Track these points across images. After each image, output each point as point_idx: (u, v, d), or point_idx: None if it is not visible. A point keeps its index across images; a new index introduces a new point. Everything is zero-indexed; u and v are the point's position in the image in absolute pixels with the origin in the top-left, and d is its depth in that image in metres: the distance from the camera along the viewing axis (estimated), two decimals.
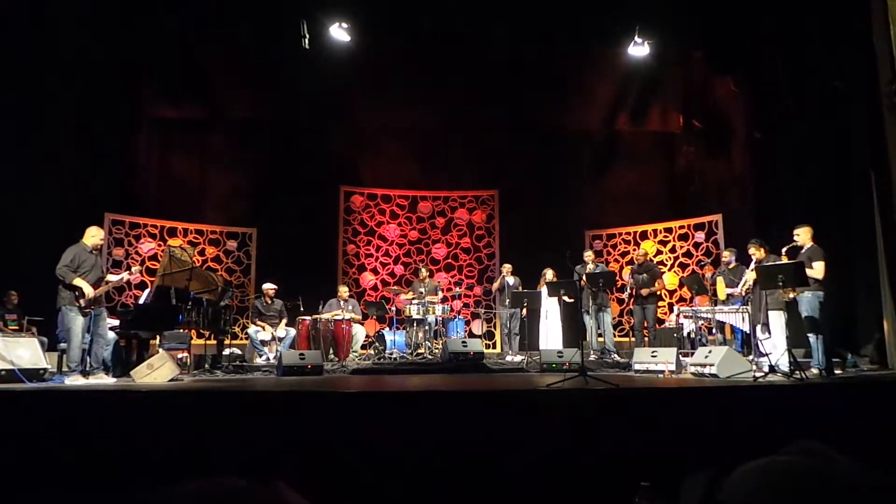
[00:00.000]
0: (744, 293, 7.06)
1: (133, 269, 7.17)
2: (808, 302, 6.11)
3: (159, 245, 9.79)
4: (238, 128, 10.40)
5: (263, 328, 8.56)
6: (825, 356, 6.02)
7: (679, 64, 10.16)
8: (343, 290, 9.27)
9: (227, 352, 8.03)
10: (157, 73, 9.69)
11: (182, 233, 10.17)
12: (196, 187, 10.40)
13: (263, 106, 10.18)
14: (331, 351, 8.47)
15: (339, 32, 8.52)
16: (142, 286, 9.19)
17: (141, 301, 7.55)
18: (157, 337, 7.43)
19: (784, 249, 6.40)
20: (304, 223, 10.24)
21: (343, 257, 11.03)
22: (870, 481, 0.61)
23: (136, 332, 6.41)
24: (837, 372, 6.26)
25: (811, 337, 6.11)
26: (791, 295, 6.14)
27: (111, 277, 6.44)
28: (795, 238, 6.36)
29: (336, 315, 8.73)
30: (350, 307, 9.11)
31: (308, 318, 8.52)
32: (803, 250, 6.34)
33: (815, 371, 5.99)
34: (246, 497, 0.66)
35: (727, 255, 8.09)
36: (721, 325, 7.74)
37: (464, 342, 7.87)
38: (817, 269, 6.10)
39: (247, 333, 8.67)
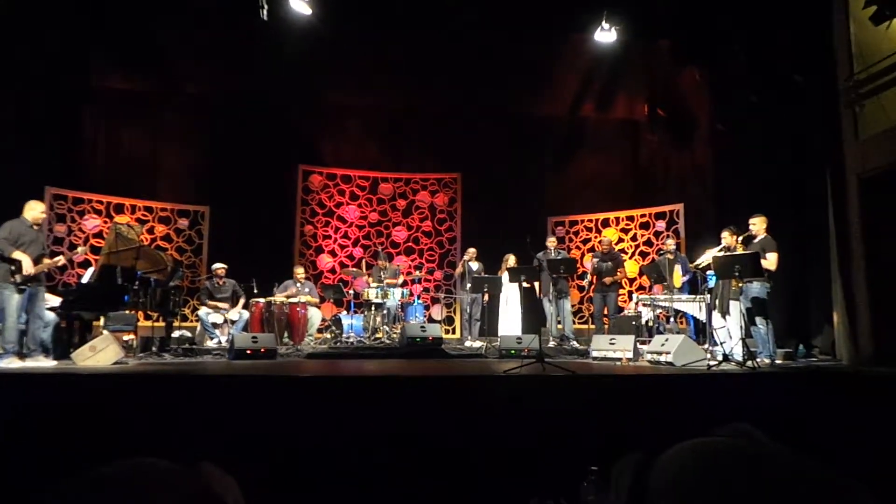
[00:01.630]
0: (693, 269, 7.23)
1: (79, 248, 6.93)
2: (756, 290, 6.29)
3: (105, 222, 9.49)
4: (192, 102, 10.12)
5: (216, 309, 8.40)
6: (773, 344, 6.22)
7: (645, 52, 10.27)
8: (299, 272, 9.16)
9: (176, 334, 7.87)
10: (107, 41, 9.32)
11: (130, 209, 9.88)
12: (146, 163, 10.10)
13: (219, 80, 9.92)
14: (286, 334, 8.38)
15: (299, 4, 8.31)
16: (85, 264, 8.90)
17: (84, 280, 7.31)
18: (101, 318, 7.22)
19: (739, 238, 6.56)
20: (259, 202, 10.06)
21: (300, 238, 10.90)
22: (796, 464, 0.63)
23: (79, 312, 6.20)
24: (788, 362, 6.49)
25: (760, 324, 6.27)
26: (740, 285, 6.28)
27: (52, 259, 6.21)
28: (751, 227, 6.52)
29: (291, 297, 8.63)
30: (306, 290, 9.01)
31: (262, 300, 8.40)
32: (756, 240, 6.51)
33: (766, 360, 6.18)
34: (167, 478, 0.64)
35: (671, 245, 8.34)
36: (677, 314, 7.93)
37: (423, 327, 7.87)
38: (770, 261, 6.28)
39: (197, 315, 8.51)
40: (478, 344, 8.70)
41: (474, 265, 9.35)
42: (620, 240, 10.80)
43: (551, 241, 8.99)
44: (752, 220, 6.54)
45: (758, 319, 6.31)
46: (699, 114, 9.98)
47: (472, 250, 9.40)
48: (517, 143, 10.94)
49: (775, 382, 4.89)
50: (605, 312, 8.88)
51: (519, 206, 10.77)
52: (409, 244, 11.41)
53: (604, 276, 8.68)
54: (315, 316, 8.83)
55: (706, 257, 6.97)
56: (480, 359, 7.45)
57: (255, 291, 8.33)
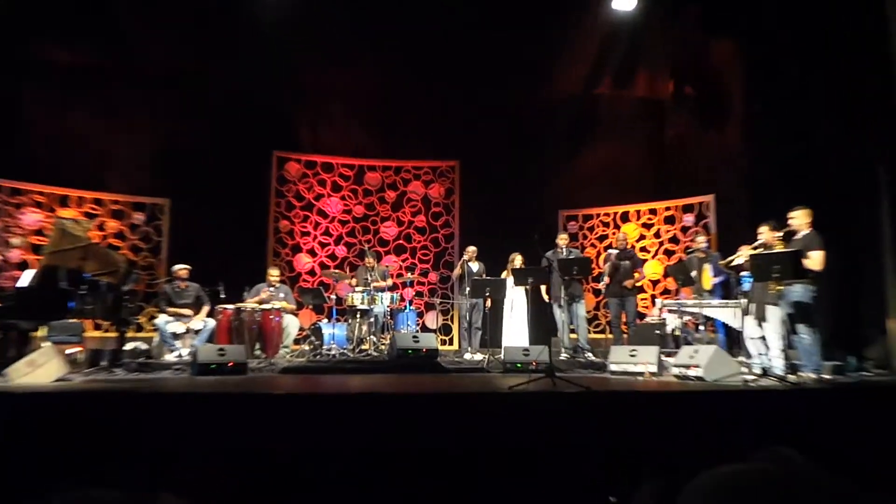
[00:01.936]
0: (725, 270, 7.22)
1: (13, 240, 6.89)
2: (798, 294, 6.22)
3: (48, 216, 9.44)
4: (150, 78, 10.03)
5: (177, 317, 8.37)
6: (819, 355, 6.18)
7: (671, 20, 10.26)
8: (273, 274, 9.14)
9: (129, 346, 7.81)
10: (50, 6, 9.25)
11: (77, 202, 9.83)
12: (96, 149, 10.00)
13: (181, 53, 9.86)
14: (257, 346, 8.35)
15: None
16: (23, 266, 8.85)
17: (21, 284, 7.25)
18: (42, 328, 7.17)
19: (779, 234, 6.48)
20: (227, 194, 10.01)
21: (274, 235, 10.87)
22: (841, 495, 0.60)
23: (14, 321, 6.14)
24: (836, 377, 6.46)
25: (804, 333, 6.22)
26: (779, 288, 6.23)
27: None
28: (791, 222, 6.44)
29: (264, 303, 8.60)
30: (281, 294, 8.99)
31: (230, 306, 8.37)
32: (798, 236, 6.42)
33: (810, 375, 6.15)
34: None
35: (702, 241, 8.32)
36: (708, 321, 7.92)
37: (415, 337, 7.86)
38: (814, 259, 6.17)
39: (155, 324, 8.46)
40: (478, 356, 8.67)
41: (474, 266, 9.33)
42: (642, 236, 10.80)
43: (563, 239, 8.99)
44: (792, 214, 6.48)
45: (800, 327, 6.27)
46: (733, 92, 9.98)
47: (471, 249, 9.39)
48: (524, 126, 10.92)
49: (821, 400, 4.88)
50: (624, 320, 8.87)
51: (526, 198, 10.75)
52: (400, 242, 11.39)
53: (621, 278, 8.67)
54: (291, 324, 8.80)
55: (741, 256, 6.95)
56: (482, 374, 7.42)
57: (222, 296, 8.28)
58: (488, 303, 8.88)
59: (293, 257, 10.98)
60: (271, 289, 8.94)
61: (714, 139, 10.29)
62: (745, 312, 6.87)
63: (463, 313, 9.45)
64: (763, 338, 6.59)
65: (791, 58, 8.27)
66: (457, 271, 9.48)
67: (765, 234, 6.63)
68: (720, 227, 9.91)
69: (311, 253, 11.10)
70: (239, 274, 8.99)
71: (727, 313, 7.44)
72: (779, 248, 6.38)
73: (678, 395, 4.88)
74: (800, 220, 6.43)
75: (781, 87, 8.56)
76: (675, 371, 6.31)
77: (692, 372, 6.06)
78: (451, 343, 10.96)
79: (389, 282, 9.54)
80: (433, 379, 6.66)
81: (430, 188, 11.52)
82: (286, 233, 10.99)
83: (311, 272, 11.02)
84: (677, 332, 8.12)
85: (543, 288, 8.87)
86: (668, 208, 10.63)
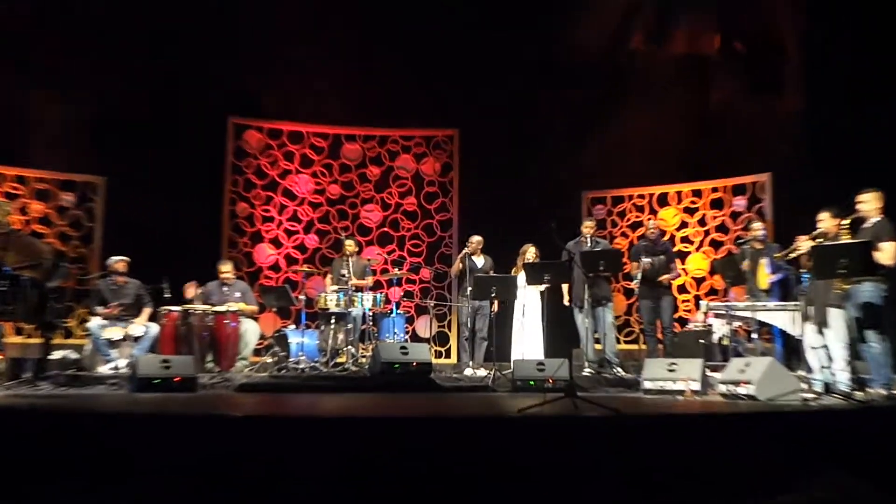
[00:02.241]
0: (783, 258, 7.21)
1: None
2: (868, 294, 6.19)
3: None
4: (79, 31, 9.97)
5: (113, 320, 8.36)
6: (892, 368, 6.17)
7: None
8: (228, 269, 9.11)
9: (57, 355, 7.81)
10: None
11: None
12: (15, 117, 9.96)
13: (118, 7, 9.79)
14: (209, 357, 8.33)
15: None
16: None
17: None
18: None
19: (844, 222, 6.44)
20: (173, 171, 9.97)
21: (230, 221, 10.85)
22: None
23: None
24: None
25: (874, 341, 6.20)
26: (844, 287, 6.18)
27: None
28: (858, 207, 6.42)
29: (218, 305, 8.59)
30: (238, 293, 8.97)
31: (177, 308, 8.36)
32: (867, 224, 6.38)
33: (880, 391, 6.13)
34: None
35: (758, 229, 8.30)
36: (763, 328, 7.92)
37: (404, 348, 7.84)
38: (886, 252, 6.11)
39: (87, 329, 8.46)
40: (482, 372, 8.66)
41: (479, 261, 9.32)
42: (683, 223, 10.80)
43: (587, 226, 8.96)
44: (861, 198, 6.44)
45: (869, 334, 6.25)
46: (792, 47, 9.95)
47: (476, 239, 9.35)
48: (539, 88, 10.89)
49: (893, 420, 4.90)
50: (659, 326, 8.88)
51: (542, 176, 10.73)
52: (386, 230, 11.37)
53: (655, 275, 8.67)
54: (250, 331, 8.79)
55: (799, 248, 6.95)
56: (486, 393, 7.39)
57: (168, 296, 8.28)
58: (495, 306, 8.86)
59: (253, 248, 10.96)
60: (226, 288, 8.91)
61: (770, 105, 10.27)
62: (805, 317, 6.87)
63: (463, 319, 9.43)
64: (826, 347, 6.59)
65: (864, 3, 8.24)
66: (456, 266, 9.44)
67: (825, 221, 6.58)
68: (778, 213, 9.92)
69: (276, 243, 11.08)
70: (187, 268, 8.97)
71: (785, 318, 7.44)
72: (844, 239, 6.34)
73: (726, 417, 4.87)
74: (870, 204, 6.38)
75: (853, 40, 8.52)
76: (723, 389, 6.32)
77: (743, 389, 6.06)
78: (448, 355, 10.96)
79: (372, 279, 9.51)
80: (426, 400, 6.62)
81: (422, 163, 11.49)
82: (245, 218, 10.96)
83: (275, 267, 10.99)
84: (725, 342, 8.11)
85: (564, 288, 8.85)
86: (714, 189, 10.63)
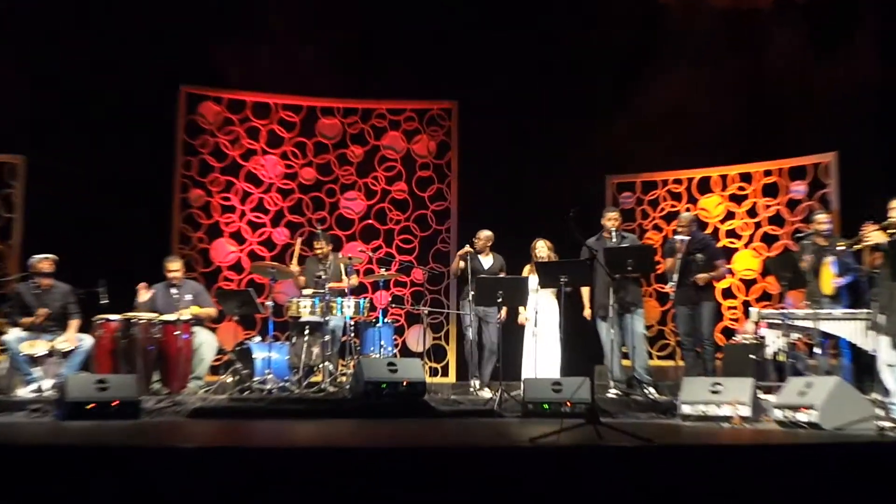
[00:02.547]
0: (848, 249, 7.18)
1: None
2: None
3: None
4: None
5: (36, 332, 8.33)
6: None
7: None
8: (176, 268, 9.08)
9: None
10: None
11: None
12: None
13: None
14: (155, 376, 8.31)
15: None
16: None
17: None
18: None
19: None
20: (111, 151, 9.95)
21: (181, 212, 10.82)
22: None
23: None
24: None
25: None
26: None
27: None
28: None
29: (166, 313, 8.56)
30: (189, 297, 8.95)
31: (115, 317, 8.32)
32: None
33: None
34: None
35: (823, 221, 8.25)
36: (829, 341, 7.90)
37: (392, 364, 7.81)
38: None
39: (4, 343, 8.42)
40: (487, 393, 8.64)
41: (486, 260, 9.30)
42: (729, 214, 10.77)
43: (611, 218, 8.93)
44: None
45: None
46: (865, 2, 9.93)
47: (485, 234, 9.32)
48: (553, 53, 10.87)
49: None
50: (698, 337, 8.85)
51: (557, 157, 10.71)
52: (370, 222, 11.35)
53: (693, 275, 8.62)
54: (206, 344, 8.76)
55: (870, 238, 6.93)
56: (491, 418, 7.37)
57: (104, 303, 8.25)
58: (502, 314, 8.82)
59: (210, 244, 10.92)
60: (176, 291, 8.88)
61: (837, 71, 10.25)
62: (877, 328, 6.85)
63: (464, 329, 9.42)
64: None
65: None
66: (456, 264, 9.41)
67: None
68: (845, 201, 9.91)
69: (237, 238, 11.05)
70: (128, 269, 8.93)
71: (855, 329, 7.42)
72: None
73: (783, 450, 4.85)
74: None
75: None
76: (779, 415, 6.29)
77: (803, 416, 6.03)
78: (445, 373, 10.94)
79: (354, 281, 9.48)
80: (419, 426, 6.61)
81: (414, 142, 11.46)
82: (200, 208, 10.92)
83: (237, 266, 10.96)
84: (781, 357, 8.10)
85: (585, 292, 8.82)
86: (768, 173, 10.62)
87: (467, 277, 9.03)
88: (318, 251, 9.27)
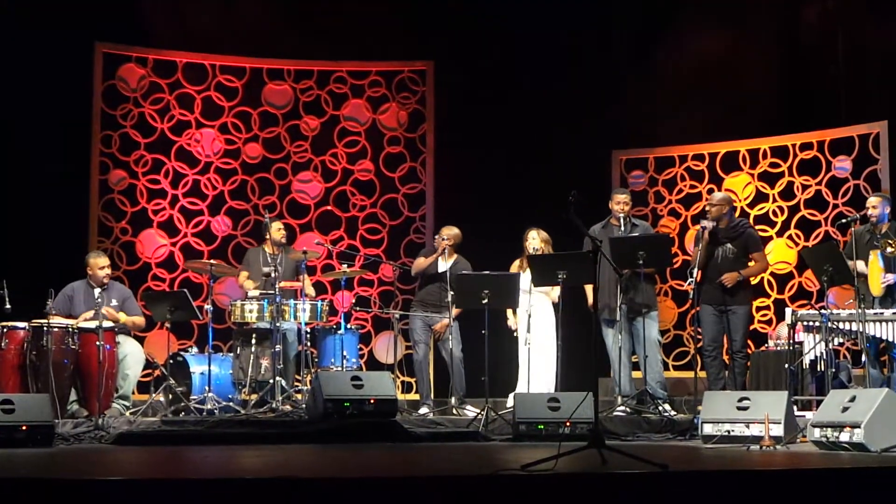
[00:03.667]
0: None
1: None
2: None
3: None
4: None
5: None
6: None
7: None
8: (104, 264, 9.06)
9: None
10: None
11: None
12: None
13: None
14: (73, 396, 8.30)
15: None
16: None
17: None
18: None
19: None
20: (14, 124, 9.92)
21: (100, 198, 10.79)
22: None
23: None
24: None
25: None
26: None
27: None
28: None
29: (85, 320, 8.54)
30: (114, 301, 8.93)
31: (22, 325, 8.30)
32: None
33: None
34: None
35: (876, 206, 8.29)
36: (878, 347, 7.98)
37: (357, 379, 7.86)
38: None
39: None
40: (470, 412, 8.69)
41: (443, 265, 9.29)
42: (760, 194, 10.84)
43: (620, 201, 8.97)
44: None
45: None
46: None
47: (451, 233, 9.33)
48: (550, 4, 10.89)
49: None
50: (726, 346, 8.90)
51: (556, 129, 10.76)
52: (329, 208, 11.34)
53: (720, 271, 8.66)
54: (133, 356, 8.74)
55: None
56: (475, 442, 7.44)
57: (8, 307, 8.23)
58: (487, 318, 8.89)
59: (136, 237, 10.89)
60: (98, 293, 8.87)
61: (887, 28, 10.32)
62: None
63: (444, 339, 9.41)
64: None
65: None
66: (421, 262, 9.40)
67: None
68: None
69: (168, 229, 11.01)
70: (37, 268, 8.90)
71: None
72: None
73: (822, 475, 4.89)
74: None
75: None
76: (817, 434, 6.36)
77: (846, 436, 6.09)
78: (418, 389, 10.97)
79: (306, 281, 9.48)
80: (389, 453, 6.64)
81: (381, 111, 11.46)
82: (123, 192, 10.88)
83: (169, 263, 10.94)
84: (822, 367, 8.18)
85: (588, 290, 8.84)
86: (806, 146, 10.67)
87: (436, 276, 9.11)
88: (276, 234, 9.26)
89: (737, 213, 9.88)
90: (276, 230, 9.34)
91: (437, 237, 9.41)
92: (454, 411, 8.95)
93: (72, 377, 8.29)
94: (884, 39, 10.37)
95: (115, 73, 10.96)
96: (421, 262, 9.47)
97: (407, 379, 10.70)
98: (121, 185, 10.90)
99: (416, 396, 10.53)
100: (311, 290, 9.37)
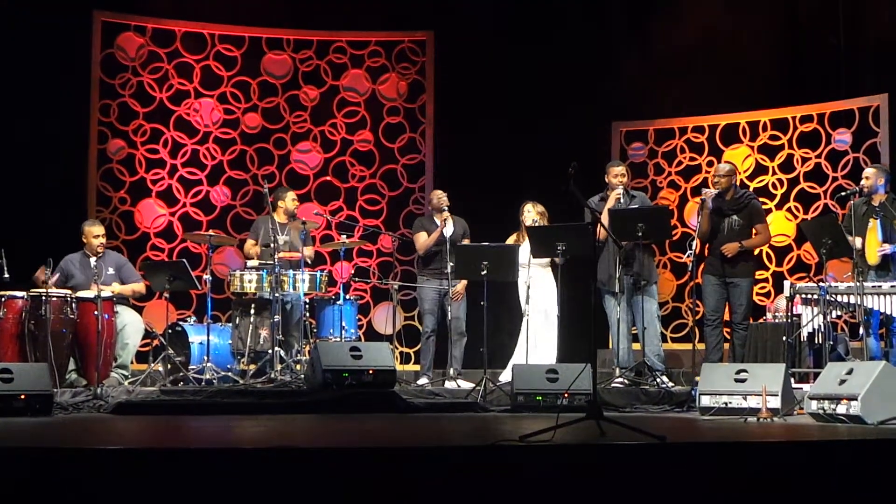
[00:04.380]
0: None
1: None
2: None
3: None
4: None
5: None
6: None
7: None
8: (100, 233, 9.05)
9: None
10: None
11: None
12: None
13: None
14: (71, 365, 8.31)
15: None
16: None
17: None
18: None
19: None
20: (13, 93, 9.89)
21: (98, 167, 10.77)
22: None
23: None
24: None
25: None
26: None
27: None
28: None
29: (82, 289, 8.53)
30: (111, 271, 8.92)
31: (20, 294, 8.29)
32: None
33: None
34: None
35: (870, 177, 8.29)
36: (874, 319, 7.98)
37: (355, 349, 7.86)
38: None
39: None
40: (467, 384, 8.70)
41: (445, 228, 9.30)
42: (759, 167, 10.83)
43: (618, 174, 8.95)
44: None
45: None
46: None
47: (445, 199, 9.34)
48: None
49: None
50: (728, 317, 8.91)
51: (555, 101, 10.72)
52: (328, 179, 11.31)
53: (723, 242, 8.66)
54: (131, 326, 8.75)
55: None
56: (474, 413, 7.45)
57: (6, 276, 8.22)
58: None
59: (135, 206, 10.87)
60: (94, 262, 8.86)
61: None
62: None
63: (427, 307, 9.42)
64: None
65: None
66: (426, 240, 9.36)
67: None
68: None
69: (167, 198, 11.00)
70: (34, 237, 8.88)
71: None
72: None
73: (818, 447, 4.90)
74: None
75: None
76: (814, 406, 6.36)
77: (843, 408, 6.10)
78: (419, 359, 10.97)
79: (310, 251, 9.48)
80: (387, 423, 6.65)
81: (381, 81, 11.42)
82: (121, 162, 10.85)
83: (167, 233, 10.93)
84: (820, 339, 8.18)
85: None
86: (806, 119, 10.65)
87: (445, 247, 9.08)
88: (290, 205, 9.28)
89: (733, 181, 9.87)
90: (292, 200, 9.33)
91: (433, 207, 9.39)
92: (450, 383, 8.93)
93: (70, 346, 8.29)
94: (883, 12, 10.32)
95: (114, 42, 10.91)
96: (426, 241, 9.42)
97: (406, 349, 10.73)
98: (119, 155, 10.87)
99: (417, 367, 10.56)
100: (309, 251, 9.34)
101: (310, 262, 9.13)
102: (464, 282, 9.14)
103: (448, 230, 9.29)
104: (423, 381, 9.09)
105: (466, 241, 9.21)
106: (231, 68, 11.21)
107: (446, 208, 9.28)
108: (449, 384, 8.89)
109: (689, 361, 9.04)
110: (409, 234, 10.81)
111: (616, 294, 8.58)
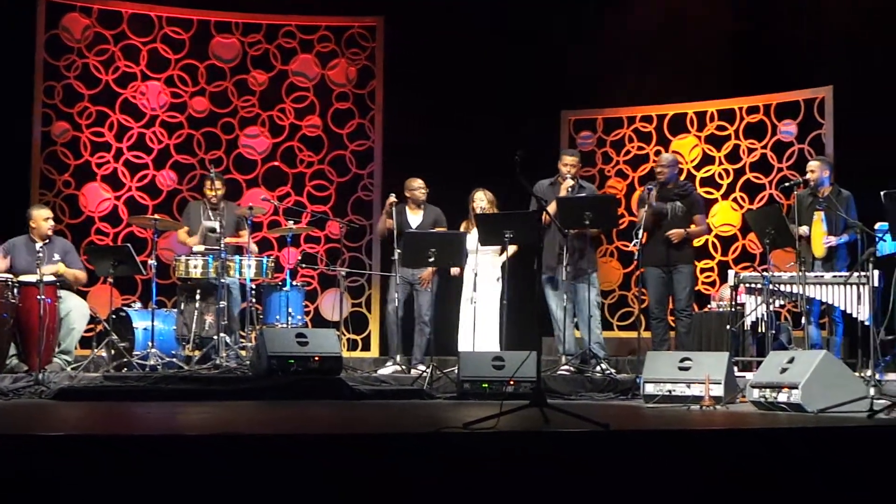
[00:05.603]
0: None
1: None
2: None
3: None
4: None
5: None
6: None
7: None
8: (48, 216, 8.97)
9: None
10: None
11: None
12: None
13: None
14: (12, 351, 8.24)
15: None
16: None
17: None
18: None
19: None
20: None
21: (42, 150, 10.67)
22: None
23: None
24: None
25: None
26: None
27: None
28: None
29: (25, 274, 8.46)
30: (56, 256, 8.85)
31: None
32: None
33: None
34: None
35: (815, 170, 8.38)
36: (815, 309, 8.07)
37: (301, 336, 7.86)
38: None
39: None
40: (412, 370, 8.73)
41: (415, 217, 9.30)
42: (706, 157, 10.91)
43: (568, 162, 8.97)
44: None
45: None
46: None
47: (416, 184, 9.31)
48: None
49: None
50: (671, 306, 9.00)
51: (503, 88, 10.73)
52: (276, 164, 11.28)
53: (666, 231, 8.71)
54: (75, 311, 8.68)
55: None
56: (420, 400, 7.47)
57: None
58: (434, 278, 8.90)
59: (79, 190, 10.79)
60: (39, 247, 8.78)
61: None
62: (876, 294, 7.01)
63: (390, 297, 9.42)
64: None
65: None
66: (383, 223, 9.37)
67: None
68: (841, 143, 10.06)
69: (112, 182, 10.92)
70: None
71: (846, 295, 7.60)
72: None
73: (759, 435, 4.95)
74: None
75: None
76: (756, 395, 6.43)
77: (784, 396, 6.16)
78: (366, 346, 10.97)
79: (245, 234, 9.42)
80: (333, 410, 6.65)
81: (330, 67, 11.38)
82: (66, 145, 10.76)
83: (112, 216, 10.85)
84: (763, 329, 8.27)
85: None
86: (752, 110, 10.75)
87: (394, 235, 9.06)
88: (217, 191, 9.20)
89: (682, 176, 9.92)
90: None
91: (406, 188, 9.40)
92: (406, 369, 8.99)
93: (11, 332, 8.20)
94: (829, 3, 10.41)
95: (59, 23, 10.80)
96: (380, 227, 9.47)
97: (353, 336, 10.72)
98: (64, 138, 10.78)
99: (363, 354, 10.59)
100: (254, 247, 9.30)
101: (250, 248, 9.08)
102: (430, 270, 9.11)
103: (416, 220, 9.30)
104: (391, 368, 9.05)
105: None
106: (179, 51, 11.13)
107: (411, 193, 9.31)
108: (394, 369, 8.93)
109: (634, 349, 9.10)
110: (357, 221, 10.84)
111: (560, 283, 8.62)
